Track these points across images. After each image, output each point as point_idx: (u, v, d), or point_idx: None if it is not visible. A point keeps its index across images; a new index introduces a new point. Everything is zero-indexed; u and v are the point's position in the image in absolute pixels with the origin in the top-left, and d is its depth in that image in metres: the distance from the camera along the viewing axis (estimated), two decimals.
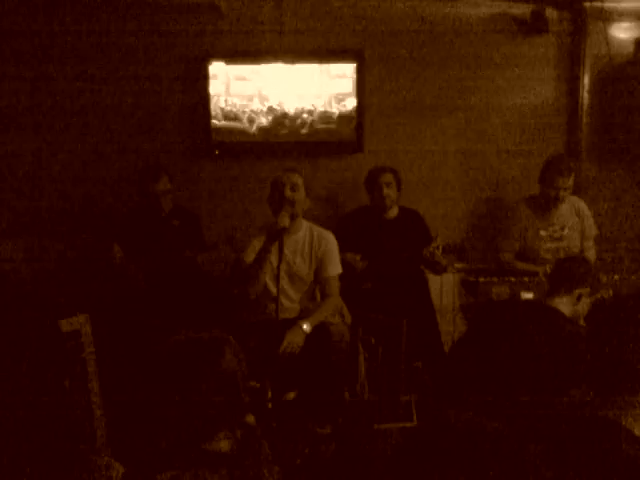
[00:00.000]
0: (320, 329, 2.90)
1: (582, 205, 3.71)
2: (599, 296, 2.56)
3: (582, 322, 2.50)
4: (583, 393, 1.59)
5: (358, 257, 3.44)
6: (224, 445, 1.40)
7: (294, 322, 2.91)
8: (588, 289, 2.44)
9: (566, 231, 3.63)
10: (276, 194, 2.99)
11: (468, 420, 0.93)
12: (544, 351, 2.23)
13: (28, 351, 1.35)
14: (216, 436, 1.39)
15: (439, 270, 3.52)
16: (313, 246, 3.08)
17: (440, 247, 3.24)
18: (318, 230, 3.14)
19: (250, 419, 1.51)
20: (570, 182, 3.52)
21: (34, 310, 1.41)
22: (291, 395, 2.86)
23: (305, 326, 2.87)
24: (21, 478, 1.24)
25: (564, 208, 3.64)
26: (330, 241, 3.11)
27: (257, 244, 2.98)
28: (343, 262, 3.18)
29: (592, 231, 3.70)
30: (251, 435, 1.48)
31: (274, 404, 2.61)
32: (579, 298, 2.43)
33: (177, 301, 3.31)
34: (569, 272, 2.48)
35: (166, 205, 3.53)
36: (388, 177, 3.54)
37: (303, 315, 2.99)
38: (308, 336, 2.86)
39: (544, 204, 3.61)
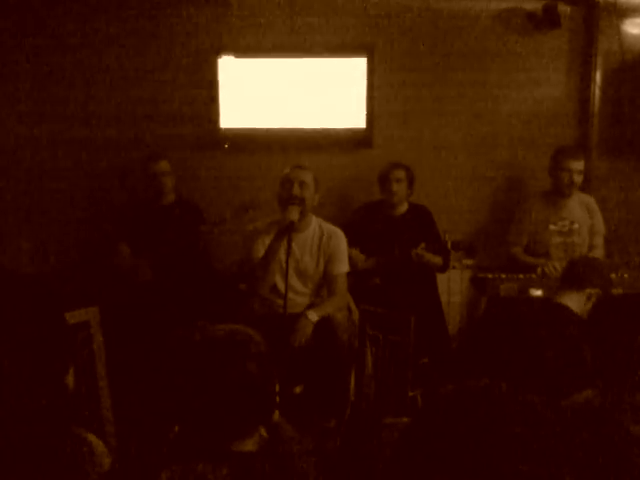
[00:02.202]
0: (325, 323, 2.90)
1: (591, 202, 3.70)
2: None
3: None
4: (593, 395, 1.58)
5: (363, 257, 3.43)
6: (250, 445, 1.39)
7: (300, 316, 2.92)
8: (599, 290, 2.43)
9: (576, 226, 3.62)
10: (284, 191, 2.98)
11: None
12: (552, 349, 2.22)
13: (35, 342, 1.35)
14: (242, 437, 1.38)
15: (438, 269, 3.51)
16: (322, 243, 3.07)
17: (423, 247, 3.26)
18: (327, 227, 3.13)
19: (275, 416, 1.50)
20: (582, 166, 3.53)
21: (42, 303, 1.41)
22: (297, 389, 2.87)
23: (311, 315, 2.87)
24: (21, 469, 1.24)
25: (574, 203, 3.64)
26: (339, 238, 3.10)
27: (266, 239, 2.97)
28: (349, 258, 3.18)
29: (601, 228, 3.69)
30: (278, 433, 1.47)
31: (281, 398, 2.62)
32: (590, 298, 2.42)
33: (184, 293, 3.32)
34: (582, 271, 2.47)
35: (168, 191, 3.56)
36: (399, 173, 3.53)
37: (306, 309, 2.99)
38: (314, 330, 2.86)
39: (556, 197, 3.62)
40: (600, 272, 2.48)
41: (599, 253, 3.61)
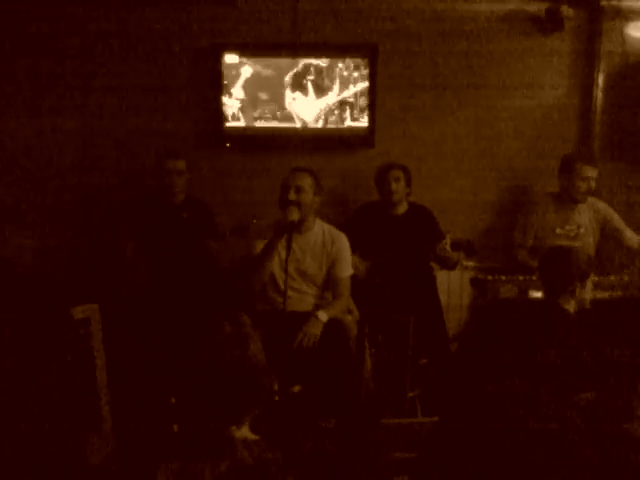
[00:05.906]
0: (335, 324, 2.90)
1: (601, 205, 3.69)
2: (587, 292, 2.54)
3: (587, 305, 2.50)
4: (593, 397, 1.58)
5: (364, 268, 3.42)
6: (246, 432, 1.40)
7: (303, 315, 2.92)
8: (577, 283, 2.44)
9: (582, 230, 3.61)
10: (282, 195, 3.00)
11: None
12: (551, 351, 2.22)
13: (37, 338, 1.36)
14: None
15: (451, 266, 3.49)
16: (325, 246, 3.08)
17: (449, 243, 3.23)
18: (331, 230, 3.14)
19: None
20: (597, 173, 3.52)
21: (44, 298, 1.42)
22: (297, 388, 2.87)
23: (321, 315, 2.88)
24: (23, 463, 1.25)
25: (584, 208, 3.63)
26: (343, 242, 3.11)
27: (267, 238, 2.98)
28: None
29: (620, 219, 3.66)
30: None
31: (280, 397, 2.62)
32: (573, 293, 2.43)
33: (184, 295, 3.31)
34: (550, 279, 2.48)
35: (179, 190, 3.54)
36: (397, 173, 3.54)
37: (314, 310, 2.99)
38: (323, 331, 2.85)
39: (565, 201, 3.60)
40: (568, 264, 2.47)
41: (634, 235, 3.60)
